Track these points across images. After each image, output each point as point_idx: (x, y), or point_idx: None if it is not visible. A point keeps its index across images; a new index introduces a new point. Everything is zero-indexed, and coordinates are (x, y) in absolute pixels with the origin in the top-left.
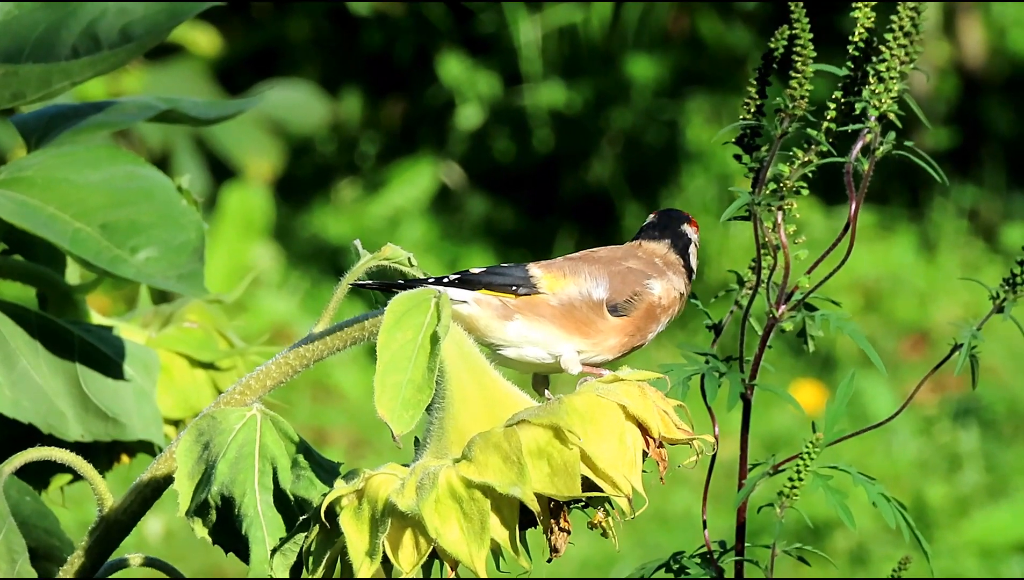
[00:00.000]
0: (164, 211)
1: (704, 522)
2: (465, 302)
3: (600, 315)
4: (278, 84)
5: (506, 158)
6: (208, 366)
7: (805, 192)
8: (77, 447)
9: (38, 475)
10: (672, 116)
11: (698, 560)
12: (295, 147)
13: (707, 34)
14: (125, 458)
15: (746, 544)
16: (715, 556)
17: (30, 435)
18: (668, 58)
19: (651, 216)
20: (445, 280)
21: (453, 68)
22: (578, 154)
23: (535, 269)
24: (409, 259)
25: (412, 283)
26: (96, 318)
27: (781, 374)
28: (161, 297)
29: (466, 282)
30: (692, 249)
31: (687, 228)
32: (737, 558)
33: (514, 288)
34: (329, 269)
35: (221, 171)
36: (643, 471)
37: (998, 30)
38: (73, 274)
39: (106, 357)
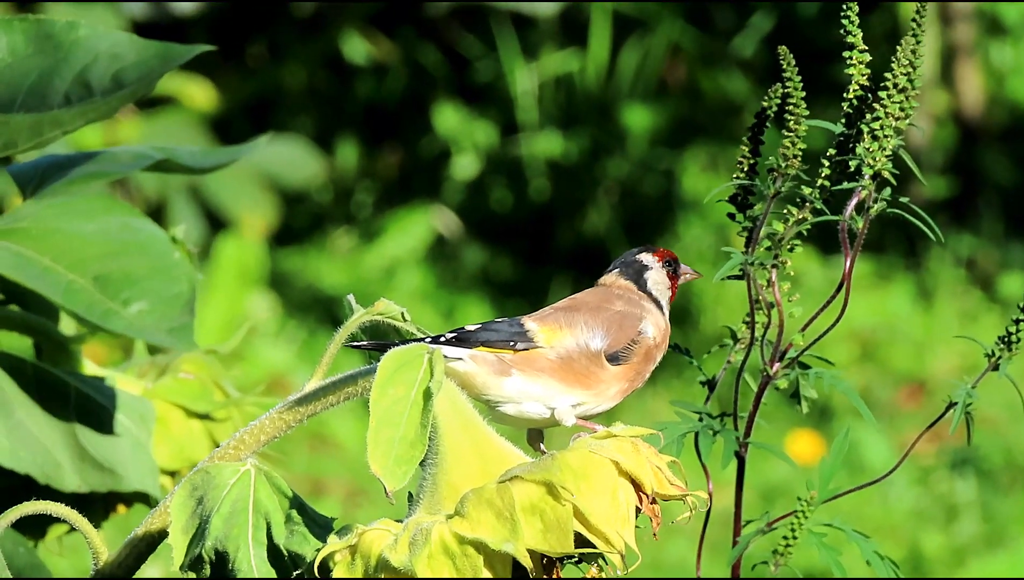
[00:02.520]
0: (157, 263)
1: None
2: (461, 359)
3: (599, 365)
4: (273, 137)
5: (502, 207)
6: (204, 417)
7: (799, 249)
8: (74, 497)
9: (35, 525)
10: (668, 165)
11: None
12: (291, 197)
13: (704, 83)
14: (122, 508)
15: None
16: None
17: (27, 485)
18: (664, 107)
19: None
20: (441, 338)
21: (449, 117)
22: (574, 203)
23: (530, 323)
24: (403, 314)
25: (407, 342)
26: (92, 368)
27: (778, 424)
28: (157, 347)
29: (462, 340)
30: (653, 275)
31: (646, 257)
32: None
33: (512, 343)
34: (326, 318)
35: (217, 221)
36: (636, 527)
37: (997, 78)
38: (68, 324)
39: (102, 408)
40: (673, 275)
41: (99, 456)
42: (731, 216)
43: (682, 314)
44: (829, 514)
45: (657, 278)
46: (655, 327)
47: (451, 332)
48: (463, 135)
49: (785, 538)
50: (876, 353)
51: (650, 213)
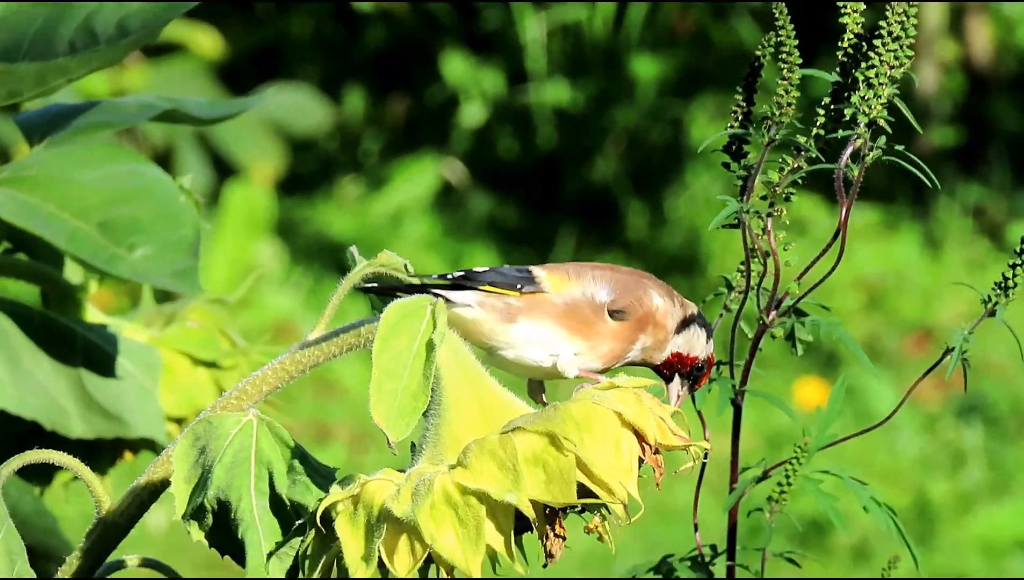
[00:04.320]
0: (162, 209)
1: (695, 526)
2: (469, 306)
3: (601, 318)
4: (280, 85)
5: (509, 156)
6: (210, 365)
7: (795, 198)
8: (80, 444)
9: (41, 472)
10: (677, 114)
11: (688, 563)
12: (298, 144)
13: (713, 32)
14: (128, 455)
15: (744, 546)
16: (706, 559)
17: (34, 431)
18: (673, 56)
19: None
20: (449, 276)
21: (457, 66)
22: (581, 152)
23: (538, 270)
24: (405, 266)
25: (414, 288)
26: (98, 317)
27: (784, 372)
28: (164, 296)
29: (469, 279)
30: (696, 332)
31: (710, 342)
32: (729, 563)
33: (518, 286)
34: (332, 266)
35: (224, 169)
36: (640, 476)
37: (1006, 27)
38: (75, 272)
39: (108, 356)
40: (689, 367)
41: (105, 403)
42: (726, 165)
43: (689, 262)
44: (835, 462)
45: (697, 343)
46: (667, 306)
47: (459, 272)
48: (471, 83)
49: (780, 484)
50: (883, 302)
51: (658, 162)
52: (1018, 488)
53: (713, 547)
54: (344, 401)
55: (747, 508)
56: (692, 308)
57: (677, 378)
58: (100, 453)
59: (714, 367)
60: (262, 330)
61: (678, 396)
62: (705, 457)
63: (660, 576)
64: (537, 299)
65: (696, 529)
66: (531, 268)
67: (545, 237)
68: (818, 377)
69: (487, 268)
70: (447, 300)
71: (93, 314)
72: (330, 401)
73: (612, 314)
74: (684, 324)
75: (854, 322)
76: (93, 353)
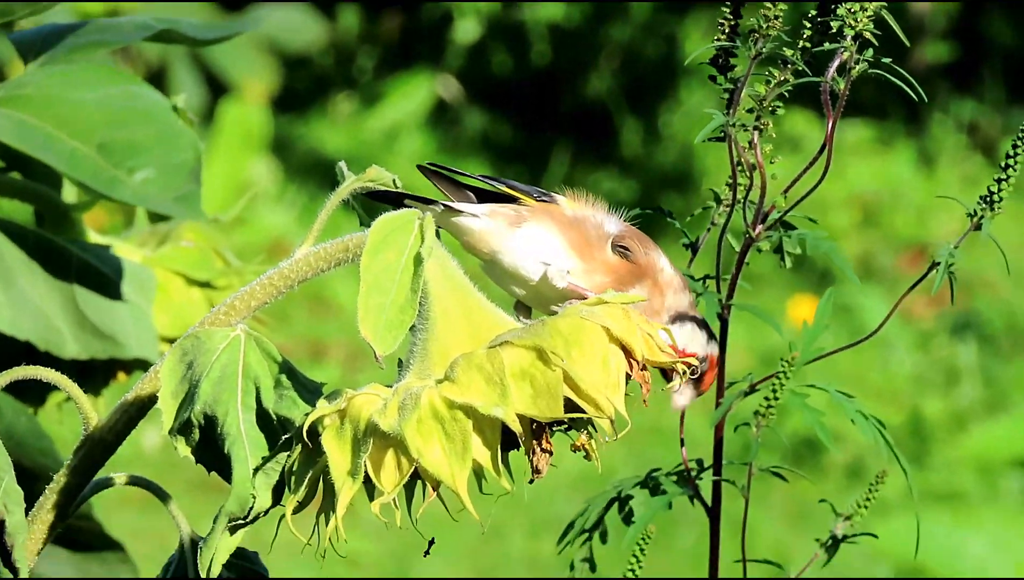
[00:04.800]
0: (161, 131)
1: (682, 440)
2: (476, 216)
3: (603, 246)
4: (274, 1)
5: (504, 72)
6: (204, 285)
7: (789, 114)
8: (75, 365)
9: (35, 393)
10: (671, 30)
11: (675, 478)
12: (292, 61)
13: None
14: (122, 375)
15: (732, 461)
16: (692, 474)
17: (28, 352)
18: None
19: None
20: (478, 176)
21: None
22: (576, 68)
23: (558, 194)
24: (394, 181)
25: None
26: (93, 236)
27: (778, 290)
28: (158, 215)
29: (495, 180)
30: (693, 329)
31: (711, 342)
32: (715, 478)
33: (534, 194)
34: (326, 183)
35: (218, 87)
36: (627, 394)
37: None
38: (70, 192)
39: (103, 276)
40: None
41: (99, 323)
42: (712, 78)
43: (683, 179)
44: (830, 380)
45: (696, 338)
46: (671, 274)
47: (481, 176)
48: None
49: (767, 399)
50: (878, 219)
51: (652, 78)
52: (1012, 406)
53: (700, 462)
54: (339, 319)
55: (739, 428)
56: (696, 311)
57: (676, 378)
58: (94, 374)
59: (701, 283)
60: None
61: (679, 395)
62: (694, 373)
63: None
64: (548, 207)
65: (683, 444)
66: (551, 193)
67: (539, 154)
68: (812, 295)
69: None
70: (456, 209)
71: (88, 234)
72: (325, 320)
73: (615, 248)
74: (681, 318)
75: (848, 239)
76: (88, 273)
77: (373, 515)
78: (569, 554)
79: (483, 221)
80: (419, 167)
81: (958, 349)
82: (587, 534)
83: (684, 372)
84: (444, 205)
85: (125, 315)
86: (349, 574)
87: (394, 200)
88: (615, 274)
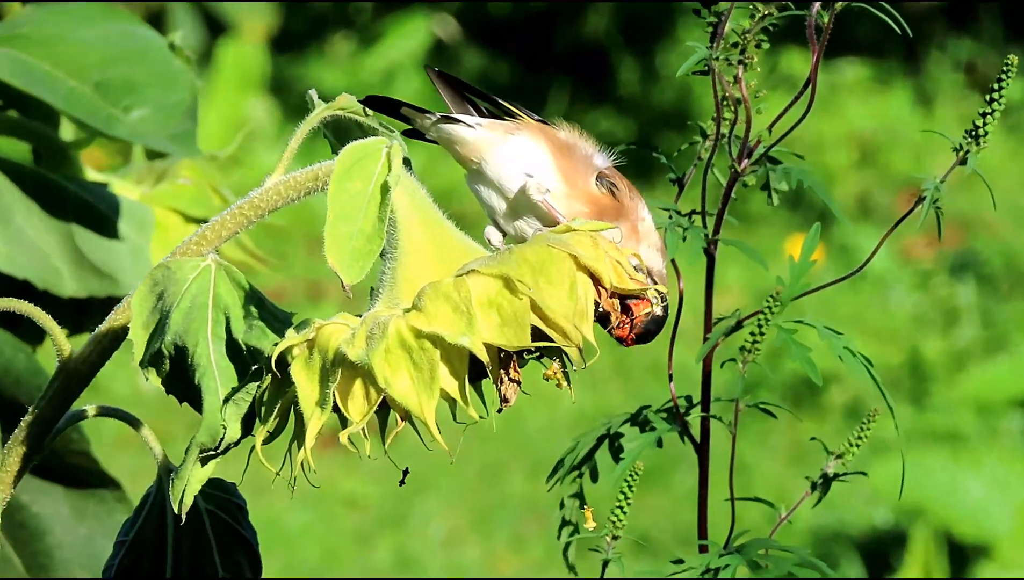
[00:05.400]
0: (158, 70)
1: (670, 376)
2: (471, 127)
3: (588, 174)
4: None
5: (501, 12)
6: (202, 222)
7: (767, 46)
8: (72, 304)
9: (33, 331)
10: None
11: (664, 415)
12: (290, 1)
13: None
14: None
15: (721, 398)
16: (681, 410)
17: (26, 290)
18: None
19: None
20: (478, 93)
21: None
22: (573, 7)
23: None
24: (364, 109)
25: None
26: (91, 174)
27: (776, 228)
28: (155, 153)
29: (493, 97)
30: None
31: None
32: (702, 414)
33: (534, 117)
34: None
35: (216, 26)
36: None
37: None
38: (67, 130)
39: (101, 214)
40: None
41: (97, 261)
42: (696, 12)
43: (680, 118)
44: (828, 320)
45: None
46: (650, 225)
47: (483, 91)
48: None
49: (752, 334)
50: (875, 157)
51: (650, 17)
52: (1011, 346)
53: (689, 398)
54: None
55: (727, 364)
56: (664, 281)
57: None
58: (92, 312)
59: (688, 217)
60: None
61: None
62: (680, 306)
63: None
64: (543, 126)
65: (671, 380)
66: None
67: (537, 93)
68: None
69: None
70: (453, 119)
71: (86, 172)
72: (323, 260)
73: (601, 181)
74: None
75: (846, 179)
76: (85, 211)
77: (372, 458)
78: (564, 493)
79: (477, 130)
80: (426, 68)
81: (957, 289)
82: (577, 472)
83: (657, 300)
84: (441, 115)
85: (123, 253)
86: (349, 516)
87: (392, 108)
88: (596, 206)
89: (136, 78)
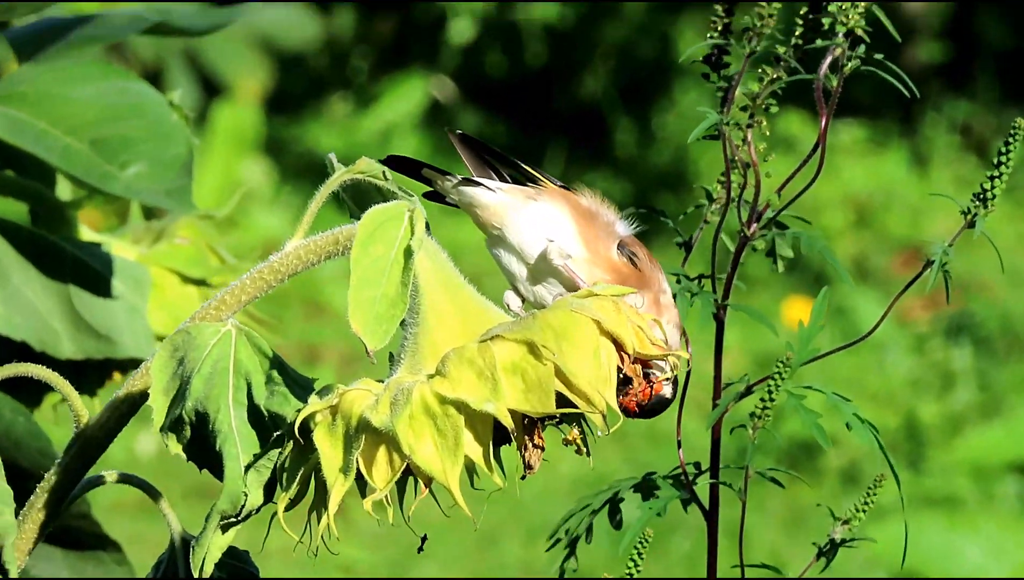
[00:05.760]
0: (154, 126)
1: (679, 442)
2: (492, 190)
3: (610, 242)
4: (269, 3)
5: (498, 73)
6: (199, 282)
7: (784, 115)
8: (70, 365)
9: (30, 393)
10: (666, 29)
11: (671, 481)
12: (287, 62)
13: None
14: (117, 375)
15: (729, 465)
16: (689, 477)
17: (23, 352)
18: None
19: None
20: (499, 156)
21: None
22: (570, 69)
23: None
24: (384, 173)
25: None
26: (88, 234)
27: (773, 291)
28: (153, 213)
29: (511, 165)
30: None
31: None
32: (712, 481)
33: (556, 182)
34: (321, 184)
35: (213, 88)
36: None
37: None
38: (65, 189)
39: (98, 274)
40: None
41: (95, 322)
42: (706, 76)
43: (677, 180)
44: (825, 383)
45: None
46: (669, 298)
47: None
48: None
49: (763, 400)
50: (871, 219)
51: (646, 78)
52: (1008, 409)
53: (697, 465)
54: (334, 323)
55: (735, 430)
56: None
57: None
58: (89, 374)
59: (696, 282)
60: (250, 250)
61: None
62: (688, 371)
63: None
64: (565, 192)
65: (679, 446)
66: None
67: (534, 154)
68: (807, 296)
69: None
70: (474, 181)
71: (83, 232)
72: (320, 323)
73: (620, 248)
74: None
75: (842, 240)
76: (83, 271)
77: (368, 523)
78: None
79: (499, 194)
80: (448, 130)
81: (953, 352)
82: (576, 539)
83: (676, 364)
84: (463, 177)
85: (120, 314)
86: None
87: (413, 168)
88: (617, 274)
89: (132, 134)
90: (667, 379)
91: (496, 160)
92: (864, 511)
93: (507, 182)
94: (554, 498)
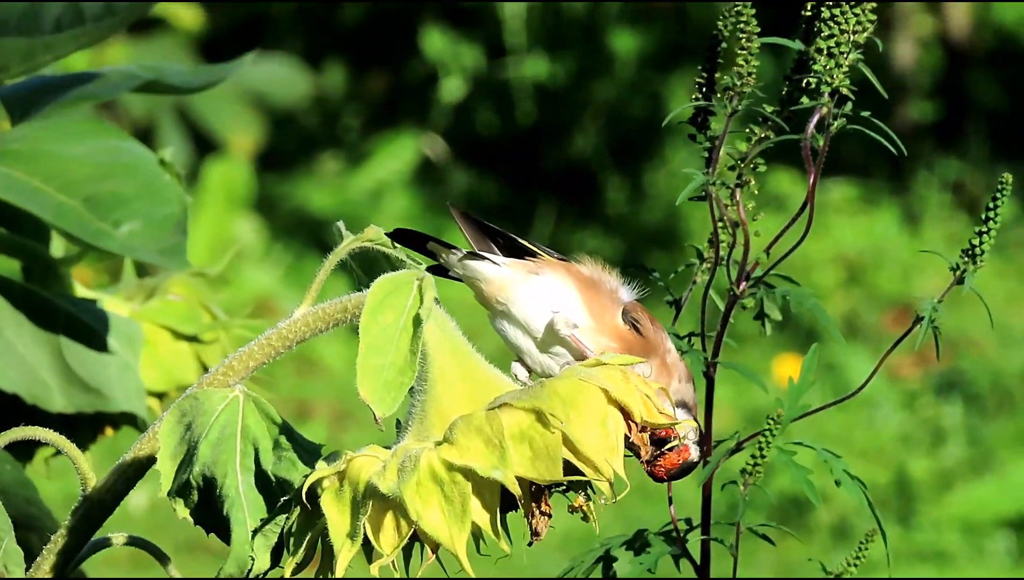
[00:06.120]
0: (147, 184)
1: (670, 499)
2: (496, 264)
3: (614, 310)
4: (261, 58)
5: (489, 131)
6: (191, 339)
7: (773, 173)
8: (61, 419)
9: (22, 447)
10: (656, 88)
11: (663, 538)
12: (278, 119)
13: (691, 7)
14: (109, 430)
15: (719, 521)
16: (680, 533)
17: (14, 405)
18: (652, 30)
19: None
20: (499, 232)
21: (436, 40)
22: (561, 127)
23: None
24: (393, 241)
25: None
26: (80, 291)
27: (762, 349)
28: (145, 270)
29: (509, 239)
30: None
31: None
32: (703, 537)
33: (553, 254)
34: (312, 242)
35: (204, 144)
36: (626, 455)
37: (983, 3)
38: (58, 247)
39: (90, 329)
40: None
41: (87, 377)
42: (692, 137)
43: (668, 238)
44: (815, 439)
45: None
46: (676, 361)
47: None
48: (451, 58)
49: (753, 456)
50: (863, 277)
51: (637, 137)
52: (998, 465)
53: (688, 521)
54: (325, 379)
55: (726, 487)
56: (695, 408)
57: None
58: (80, 428)
59: (686, 340)
60: (242, 306)
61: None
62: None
63: (631, 553)
64: (567, 264)
65: (670, 503)
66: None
67: (525, 212)
68: (797, 354)
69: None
70: (478, 256)
71: (75, 288)
72: (311, 379)
73: (625, 315)
74: (684, 407)
75: (833, 299)
76: (75, 326)
77: None
78: None
79: (503, 269)
80: (450, 205)
81: (943, 408)
82: None
83: (685, 435)
84: (468, 251)
85: (112, 369)
86: None
87: (418, 241)
88: (623, 342)
89: (125, 192)
90: (694, 442)
91: (496, 234)
92: (855, 565)
93: (507, 257)
94: (546, 554)
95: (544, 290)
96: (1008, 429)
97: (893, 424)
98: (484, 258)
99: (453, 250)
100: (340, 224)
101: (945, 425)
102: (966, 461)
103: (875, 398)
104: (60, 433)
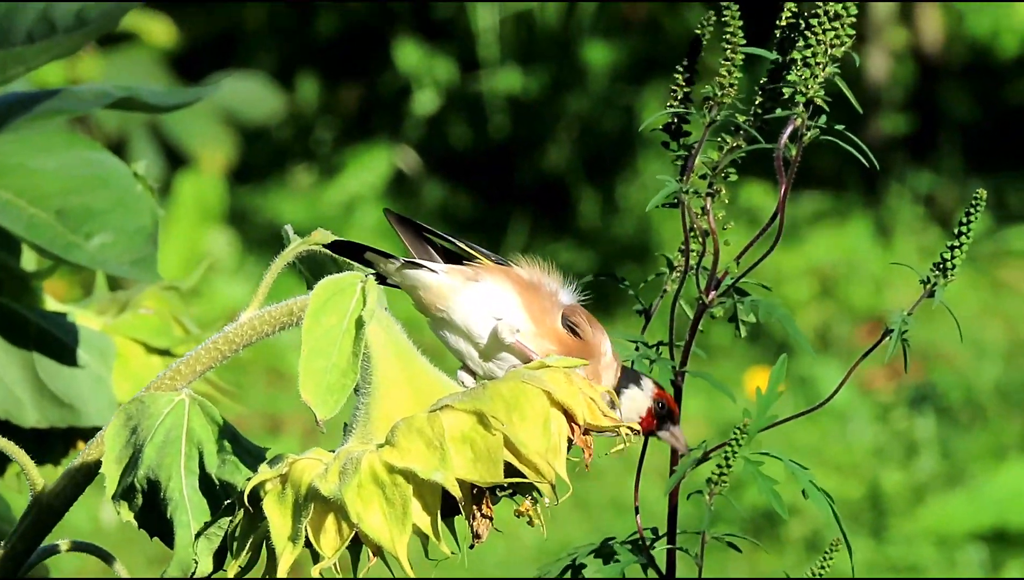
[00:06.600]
0: (119, 197)
1: (636, 508)
2: (435, 271)
3: (555, 312)
4: (233, 74)
5: (462, 144)
6: (164, 352)
7: (734, 177)
8: (34, 434)
9: None
10: (629, 102)
11: (629, 547)
12: (250, 133)
13: (665, 19)
14: (81, 444)
15: (687, 531)
16: (647, 542)
17: None
18: (625, 44)
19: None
20: (436, 235)
21: (410, 54)
22: (534, 140)
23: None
24: (332, 254)
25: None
26: (52, 304)
27: (737, 360)
28: (117, 283)
29: (449, 238)
30: (637, 393)
31: (647, 382)
32: (668, 546)
33: (493, 258)
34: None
35: (176, 158)
36: (572, 459)
37: (956, 15)
38: (29, 260)
39: (62, 343)
40: (654, 418)
41: (59, 392)
42: (665, 145)
43: (641, 251)
44: (787, 452)
45: (638, 399)
46: (612, 358)
47: (440, 233)
48: (423, 71)
49: (719, 466)
50: (835, 290)
51: (610, 150)
52: (970, 478)
53: (655, 530)
54: (297, 393)
55: (693, 497)
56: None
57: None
58: (53, 443)
59: (655, 349)
60: (215, 320)
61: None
62: (645, 439)
63: (599, 562)
64: (505, 269)
65: (637, 512)
66: (507, 259)
67: (498, 226)
68: (769, 366)
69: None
70: (416, 264)
71: (47, 302)
72: (282, 393)
73: (564, 319)
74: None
75: (806, 311)
76: (47, 340)
77: None
78: None
79: (441, 276)
80: (386, 211)
81: (916, 422)
82: None
83: (628, 435)
84: (405, 260)
85: (84, 383)
86: None
87: (356, 252)
88: (563, 346)
89: (97, 205)
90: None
91: (433, 237)
92: (820, 575)
93: (445, 262)
94: (517, 566)
95: (484, 296)
96: (981, 442)
97: (866, 437)
98: (421, 266)
99: (391, 259)
100: (288, 227)
101: (918, 438)
102: (939, 474)
103: (847, 411)
104: (33, 448)
